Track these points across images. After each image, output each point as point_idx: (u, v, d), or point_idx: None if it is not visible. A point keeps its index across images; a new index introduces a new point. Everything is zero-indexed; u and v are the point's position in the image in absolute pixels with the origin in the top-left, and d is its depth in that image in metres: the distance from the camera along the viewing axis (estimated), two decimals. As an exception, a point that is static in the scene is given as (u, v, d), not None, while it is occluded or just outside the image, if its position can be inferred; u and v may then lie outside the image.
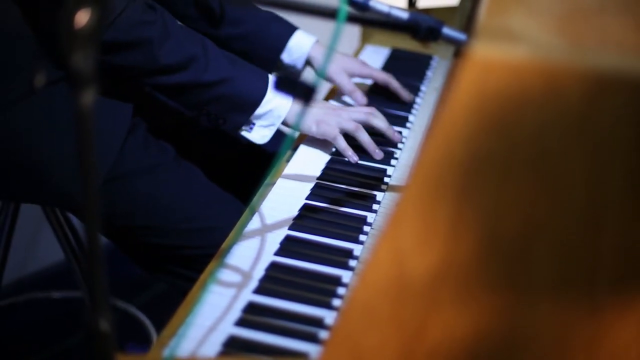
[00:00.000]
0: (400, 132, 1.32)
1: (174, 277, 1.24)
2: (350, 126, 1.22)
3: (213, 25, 1.42)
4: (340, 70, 1.43)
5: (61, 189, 1.16)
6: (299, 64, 1.47)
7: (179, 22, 1.21)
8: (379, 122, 1.25)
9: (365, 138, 1.22)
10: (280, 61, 1.46)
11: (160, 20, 1.14)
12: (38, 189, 1.18)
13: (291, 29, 1.48)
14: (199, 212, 1.21)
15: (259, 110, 1.19)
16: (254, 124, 1.21)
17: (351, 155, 1.21)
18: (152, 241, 1.20)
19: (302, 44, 1.46)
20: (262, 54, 1.45)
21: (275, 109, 1.20)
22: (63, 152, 1.14)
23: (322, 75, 1.31)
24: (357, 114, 1.24)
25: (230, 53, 1.23)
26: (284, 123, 1.22)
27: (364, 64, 1.48)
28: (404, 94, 1.47)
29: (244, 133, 1.23)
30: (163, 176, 1.22)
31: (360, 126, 1.22)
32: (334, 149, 1.26)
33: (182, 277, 1.22)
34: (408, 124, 1.39)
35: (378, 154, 1.23)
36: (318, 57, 1.45)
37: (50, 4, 1.09)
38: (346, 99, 1.45)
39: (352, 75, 1.44)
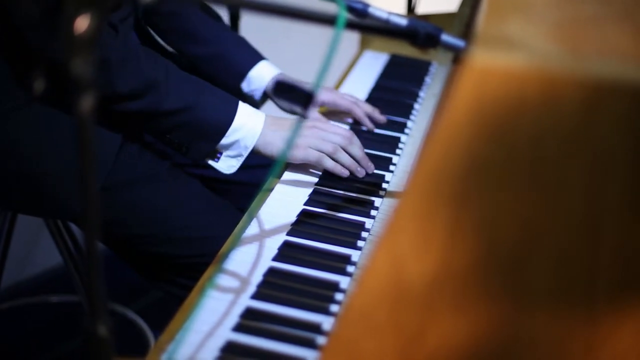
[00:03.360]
0: (398, 139, 1.32)
1: (170, 284, 1.23)
2: (329, 148, 1.17)
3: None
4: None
5: (59, 199, 1.16)
6: (257, 95, 1.43)
7: (143, 47, 1.15)
8: (357, 149, 1.19)
9: (345, 159, 1.18)
10: (241, 89, 1.42)
11: (120, 44, 1.08)
12: (36, 199, 1.17)
13: (256, 58, 1.43)
14: (195, 221, 1.21)
15: (224, 140, 1.14)
16: (221, 153, 1.17)
17: (341, 171, 1.17)
18: (147, 250, 1.20)
19: (262, 75, 1.41)
20: (225, 79, 1.41)
21: (242, 139, 1.15)
22: (60, 161, 1.13)
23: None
24: (335, 136, 1.18)
25: (199, 79, 1.18)
26: (256, 152, 1.17)
27: (329, 90, 1.41)
28: (367, 122, 1.38)
29: (210, 162, 1.18)
30: (158, 185, 1.21)
31: (339, 147, 1.17)
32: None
33: (179, 285, 1.22)
34: (406, 130, 1.40)
35: (360, 171, 1.18)
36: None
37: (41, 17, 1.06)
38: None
39: (321, 104, 1.39)
